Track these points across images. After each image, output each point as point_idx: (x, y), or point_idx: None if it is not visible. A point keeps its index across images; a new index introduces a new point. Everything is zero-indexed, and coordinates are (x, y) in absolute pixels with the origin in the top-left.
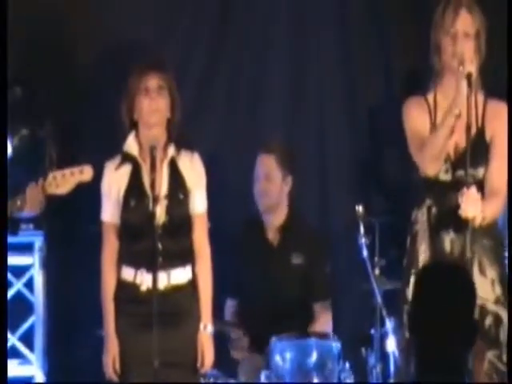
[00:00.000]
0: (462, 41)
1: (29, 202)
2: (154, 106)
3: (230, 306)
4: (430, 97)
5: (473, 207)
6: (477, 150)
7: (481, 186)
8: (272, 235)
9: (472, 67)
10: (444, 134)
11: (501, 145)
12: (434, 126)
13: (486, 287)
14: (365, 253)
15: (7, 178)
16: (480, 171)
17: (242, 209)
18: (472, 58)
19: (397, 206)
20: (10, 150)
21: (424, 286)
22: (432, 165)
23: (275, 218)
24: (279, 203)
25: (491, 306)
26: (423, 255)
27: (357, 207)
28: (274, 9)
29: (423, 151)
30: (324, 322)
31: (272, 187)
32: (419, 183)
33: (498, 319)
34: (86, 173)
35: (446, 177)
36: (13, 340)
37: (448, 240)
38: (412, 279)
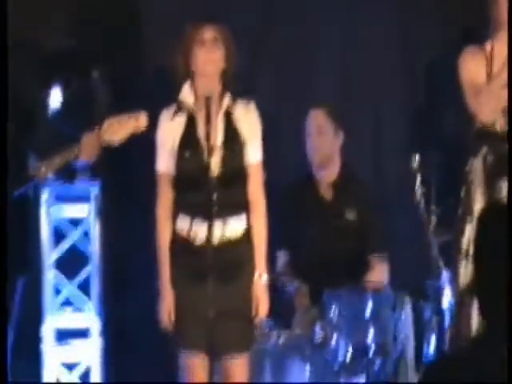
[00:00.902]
0: None
1: (84, 150)
2: (209, 56)
3: (284, 257)
4: (487, 47)
5: None
6: None
7: None
8: (324, 190)
9: None
10: (500, 84)
11: None
12: (490, 77)
13: None
14: (421, 203)
15: (6, 178)
16: None
17: (297, 162)
18: None
19: (452, 155)
20: (60, 101)
21: (485, 230)
22: (488, 111)
23: (327, 174)
24: (331, 158)
25: None
26: (478, 204)
27: (413, 157)
28: None
29: (479, 99)
30: (379, 273)
31: (324, 141)
32: (475, 132)
33: None
34: (141, 120)
35: (502, 128)
36: (71, 288)
37: (504, 187)
38: (467, 228)
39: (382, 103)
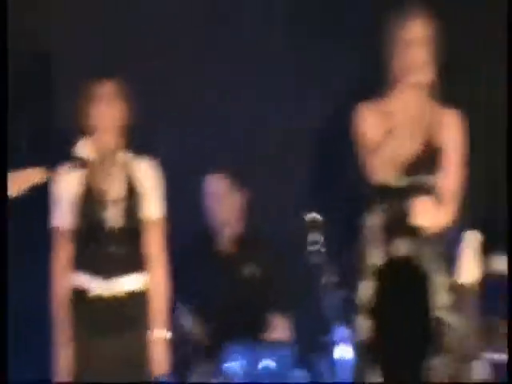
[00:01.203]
0: (416, 48)
1: None
2: (107, 111)
3: (184, 312)
4: (384, 102)
5: (424, 215)
6: (430, 156)
7: (433, 193)
8: (225, 246)
9: (424, 74)
10: (395, 140)
11: (453, 152)
12: (386, 132)
13: (434, 294)
14: (319, 259)
15: (7, 176)
16: (433, 178)
17: (198, 216)
18: (424, 66)
19: (349, 211)
20: None
21: (381, 286)
22: (384, 170)
23: (229, 230)
24: (232, 216)
25: (439, 313)
26: (374, 260)
27: (308, 213)
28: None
29: (375, 156)
30: (279, 329)
31: (224, 204)
32: (371, 188)
33: (445, 326)
34: (38, 175)
35: (398, 183)
36: None
37: (399, 246)
38: (364, 284)
39: (281, 160)
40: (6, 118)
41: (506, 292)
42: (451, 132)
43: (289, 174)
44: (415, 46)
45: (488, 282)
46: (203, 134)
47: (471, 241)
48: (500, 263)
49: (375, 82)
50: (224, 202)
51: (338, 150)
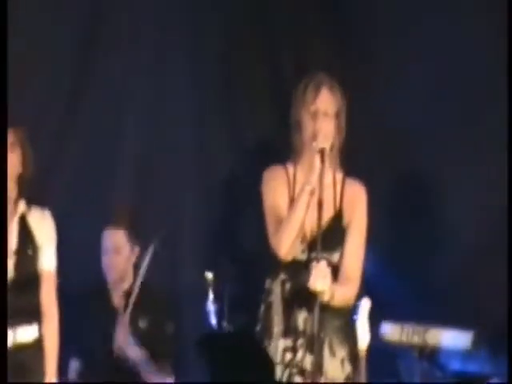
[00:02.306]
0: (322, 119)
1: None
2: (9, 160)
3: (76, 365)
4: (291, 169)
5: (321, 281)
6: (333, 232)
7: (336, 269)
8: (118, 301)
9: (326, 143)
10: (299, 213)
11: (357, 230)
12: (292, 201)
13: (335, 366)
14: (213, 319)
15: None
16: (336, 255)
17: (92, 270)
18: (327, 135)
19: (249, 273)
20: None
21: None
22: (287, 250)
23: (122, 285)
24: (126, 272)
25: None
26: (277, 328)
27: (206, 273)
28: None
29: (279, 234)
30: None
31: (120, 260)
32: (274, 257)
33: None
34: None
35: (301, 256)
36: None
37: (301, 317)
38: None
39: (179, 218)
40: (5, 118)
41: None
42: (356, 208)
43: (189, 230)
44: (322, 116)
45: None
46: (100, 187)
47: (365, 308)
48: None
49: (285, 145)
50: (122, 256)
51: (243, 210)
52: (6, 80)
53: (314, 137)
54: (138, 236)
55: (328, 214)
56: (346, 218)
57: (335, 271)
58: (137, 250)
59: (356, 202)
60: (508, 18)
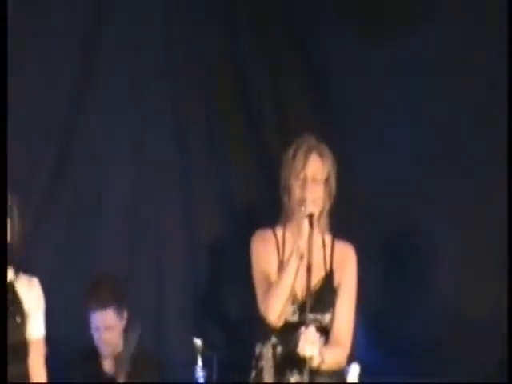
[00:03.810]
0: (311, 186)
1: None
2: None
3: None
4: (279, 233)
5: (310, 346)
6: (324, 294)
7: (326, 331)
8: (108, 365)
9: (314, 208)
10: (288, 278)
11: (347, 291)
12: (281, 264)
13: None
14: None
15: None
16: (327, 316)
17: (81, 335)
18: (316, 200)
19: (238, 339)
20: None
21: None
22: (277, 316)
23: (112, 351)
24: (119, 344)
25: None
26: None
27: (195, 340)
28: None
29: (268, 299)
30: None
31: (113, 336)
32: (263, 320)
33: None
34: None
35: (292, 318)
36: None
37: (292, 380)
38: None
39: (166, 283)
40: (5, 120)
41: None
42: (345, 269)
43: (176, 295)
44: (311, 182)
45: None
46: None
47: (355, 373)
48: None
49: (272, 209)
50: (113, 332)
51: (231, 275)
52: (5, 81)
53: (303, 202)
54: (125, 305)
55: (318, 275)
56: (337, 280)
57: (327, 333)
58: (125, 315)
59: (346, 263)
60: (508, 20)
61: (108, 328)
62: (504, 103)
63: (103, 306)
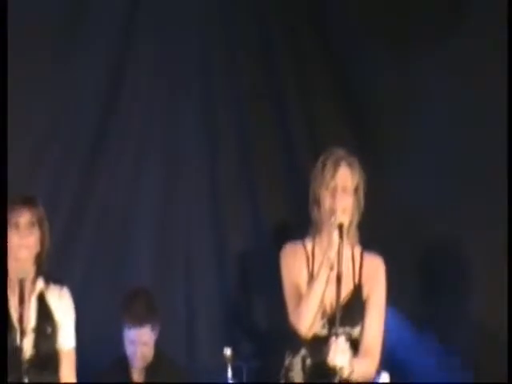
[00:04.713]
0: (341, 195)
1: None
2: (23, 242)
3: None
4: (309, 246)
5: (340, 357)
6: (353, 306)
7: (357, 343)
8: (137, 375)
9: (344, 218)
10: (319, 289)
11: (376, 303)
12: (311, 276)
13: None
14: None
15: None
16: (356, 329)
17: (109, 345)
18: (345, 209)
19: (267, 350)
20: None
21: None
22: (308, 327)
23: (142, 362)
24: (151, 357)
25: None
26: None
27: (225, 350)
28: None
29: (299, 311)
30: None
31: (148, 350)
32: (294, 333)
33: None
34: None
35: (322, 332)
36: None
37: None
38: None
39: (195, 295)
40: (5, 119)
41: None
42: (374, 280)
43: (206, 306)
44: (340, 192)
45: None
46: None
47: (384, 381)
48: None
49: (301, 221)
50: (148, 347)
51: (261, 287)
52: (5, 82)
53: (333, 212)
54: (159, 319)
55: (347, 288)
56: (366, 292)
57: (356, 345)
58: (157, 327)
59: (375, 275)
60: (508, 20)
61: (143, 343)
62: None
63: (140, 322)
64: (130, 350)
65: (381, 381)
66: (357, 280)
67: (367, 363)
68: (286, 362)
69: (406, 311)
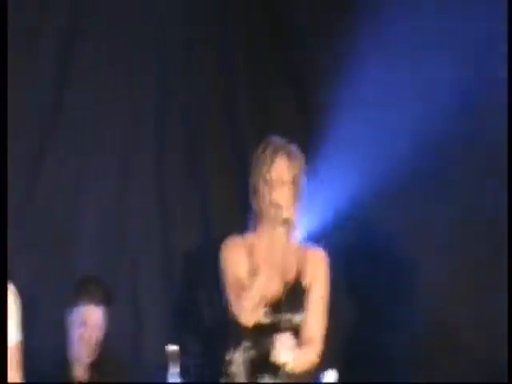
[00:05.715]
0: (279, 188)
1: None
2: None
3: None
4: (250, 239)
5: (285, 353)
6: (295, 295)
7: (298, 331)
8: (80, 372)
9: (288, 213)
10: (261, 280)
11: (317, 292)
12: (253, 269)
13: None
14: None
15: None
16: (298, 317)
17: (54, 343)
18: (288, 204)
19: (213, 347)
20: None
21: None
22: (250, 316)
23: (87, 359)
24: (97, 347)
25: None
26: None
27: (168, 347)
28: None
29: (241, 301)
30: None
31: (95, 335)
32: (236, 324)
33: None
34: None
35: (264, 320)
36: None
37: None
38: None
39: (141, 293)
40: (5, 119)
41: None
42: (316, 271)
43: (149, 301)
44: (279, 185)
45: None
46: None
47: (330, 379)
48: None
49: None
50: (96, 331)
51: (204, 281)
52: (5, 82)
53: (273, 205)
54: (110, 311)
55: (289, 276)
56: (307, 281)
57: (298, 332)
58: (107, 318)
59: (317, 265)
60: (508, 20)
61: (94, 326)
62: None
63: (95, 301)
64: (78, 334)
65: (326, 380)
66: (299, 269)
67: (309, 350)
68: (227, 357)
69: None
